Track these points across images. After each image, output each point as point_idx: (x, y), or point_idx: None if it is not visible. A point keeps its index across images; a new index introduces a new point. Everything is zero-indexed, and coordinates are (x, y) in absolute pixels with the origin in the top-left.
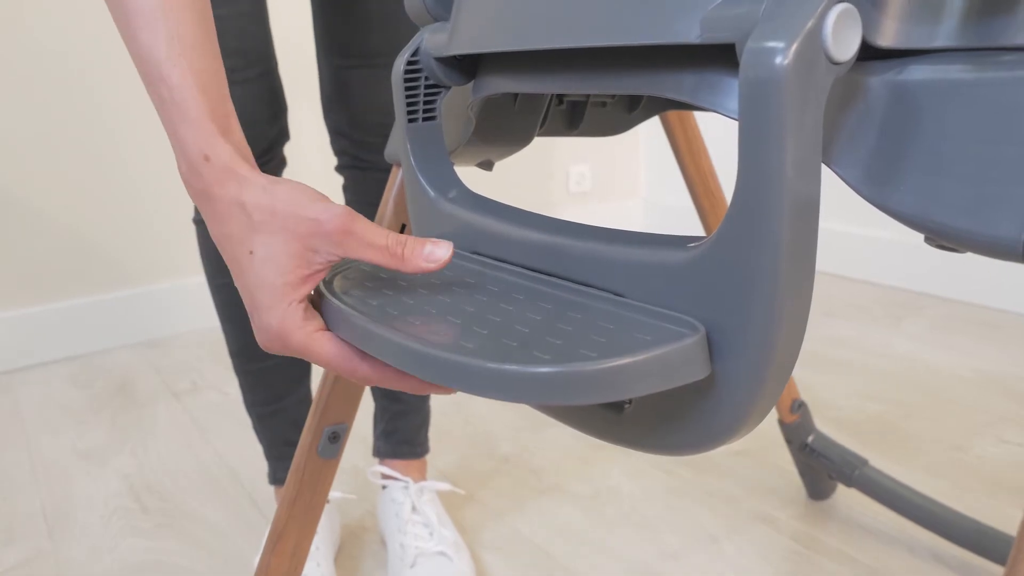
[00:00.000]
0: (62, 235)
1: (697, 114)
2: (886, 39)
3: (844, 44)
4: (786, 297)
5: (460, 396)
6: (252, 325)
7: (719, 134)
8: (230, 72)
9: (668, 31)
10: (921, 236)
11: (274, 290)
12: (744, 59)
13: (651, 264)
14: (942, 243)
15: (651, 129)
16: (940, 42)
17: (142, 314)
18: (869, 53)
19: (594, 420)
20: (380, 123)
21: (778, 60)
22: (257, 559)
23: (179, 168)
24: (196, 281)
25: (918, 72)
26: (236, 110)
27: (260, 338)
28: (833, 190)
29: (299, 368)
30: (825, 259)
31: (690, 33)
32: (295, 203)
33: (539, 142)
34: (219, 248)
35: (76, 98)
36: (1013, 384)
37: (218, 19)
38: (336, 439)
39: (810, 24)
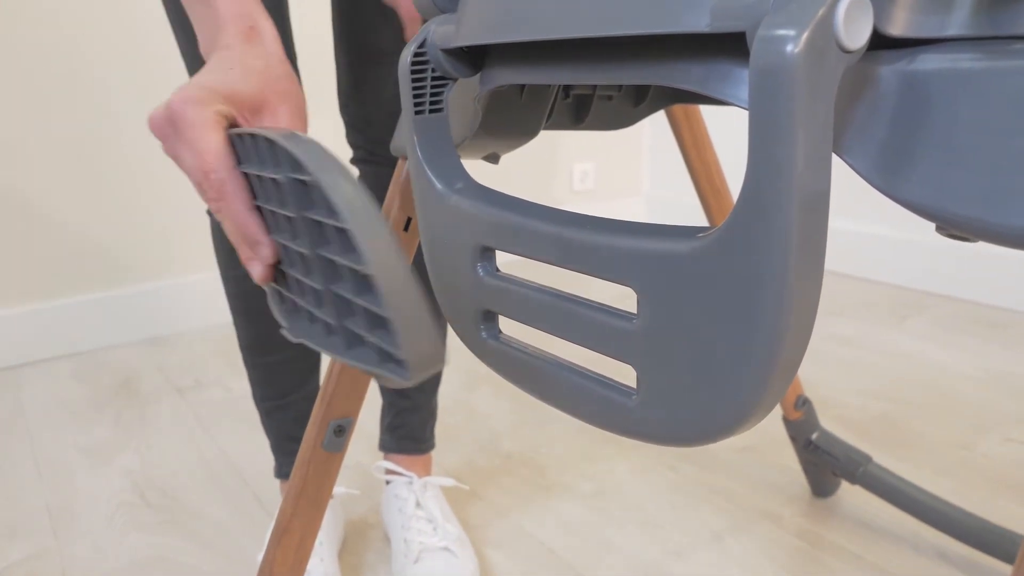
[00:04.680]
0: (65, 232)
1: (702, 110)
2: (897, 28)
3: (855, 32)
4: (795, 288)
5: (463, 394)
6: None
7: (724, 131)
8: None
9: (677, 20)
10: (925, 235)
11: (219, 82)
12: (754, 48)
13: (659, 253)
14: (953, 232)
15: (654, 128)
16: (952, 31)
17: (145, 311)
18: (880, 42)
19: (601, 409)
20: (393, 120)
21: (789, 48)
22: (261, 555)
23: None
24: (199, 278)
25: (929, 61)
26: None
27: (175, 95)
28: (837, 188)
29: (308, 363)
30: (830, 258)
31: (700, 22)
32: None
33: (543, 141)
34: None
35: (81, 96)
36: (1018, 383)
37: None
38: (341, 433)
39: (821, 12)
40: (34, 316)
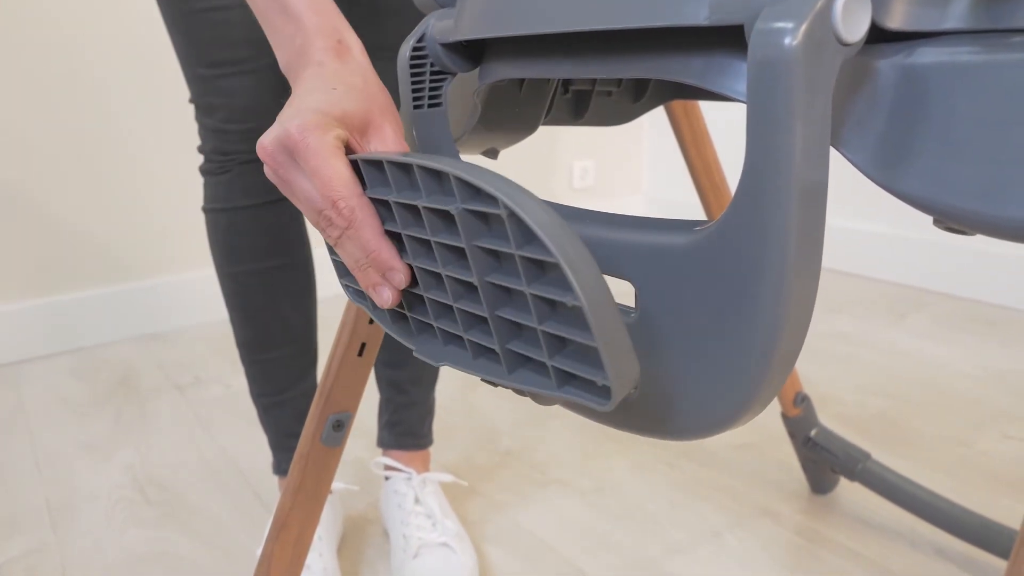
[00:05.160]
0: (65, 229)
1: (702, 107)
2: (895, 21)
3: (854, 25)
4: (793, 280)
5: (462, 392)
6: (282, 115)
7: (724, 128)
8: (242, 62)
9: (676, 13)
10: (924, 232)
11: (332, 104)
12: (752, 40)
13: (656, 247)
14: (951, 225)
15: (654, 125)
16: (949, 24)
17: (145, 307)
18: (878, 35)
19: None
20: None
21: (787, 41)
22: (260, 550)
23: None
24: (199, 275)
25: (927, 55)
26: (248, 99)
27: (292, 122)
28: (837, 186)
29: (306, 359)
30: (829, 255)
31: (698, 15)
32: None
33: (543, 137)
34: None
35: (81, 93)
36: (1016, 380)
37: (229, 9)
38: (340, 427)
39: (820, 5)
40: (34, 312)
